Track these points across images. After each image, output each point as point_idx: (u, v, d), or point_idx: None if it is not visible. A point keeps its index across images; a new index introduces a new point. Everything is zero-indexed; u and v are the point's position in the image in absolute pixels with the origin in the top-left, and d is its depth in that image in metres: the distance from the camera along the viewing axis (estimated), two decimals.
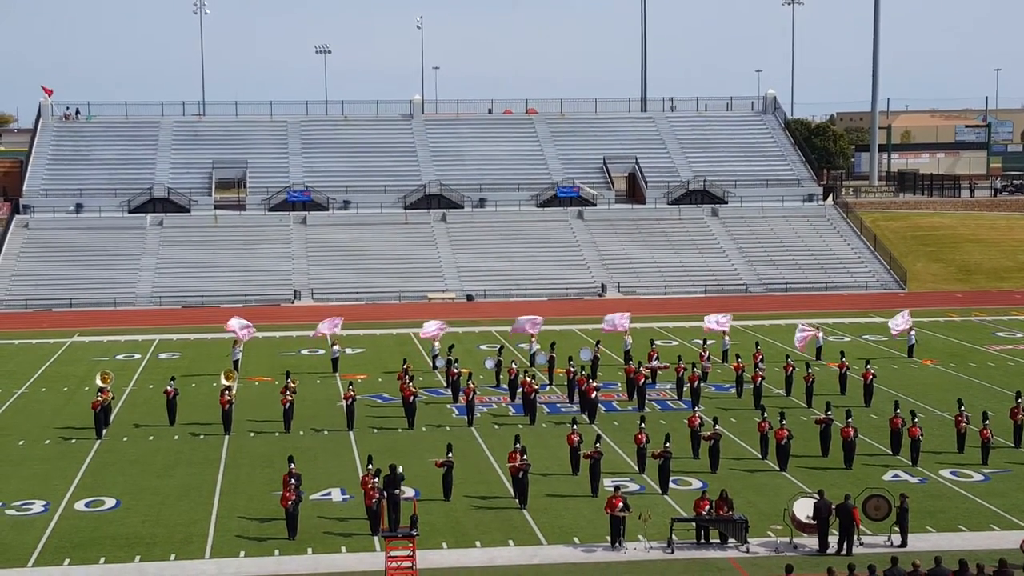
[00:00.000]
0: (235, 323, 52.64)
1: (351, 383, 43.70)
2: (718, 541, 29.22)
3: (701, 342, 52.43)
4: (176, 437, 40.61)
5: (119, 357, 56.18)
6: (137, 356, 56.36)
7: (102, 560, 28.63)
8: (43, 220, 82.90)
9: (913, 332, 55.06)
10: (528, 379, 43.20)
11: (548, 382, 48.47)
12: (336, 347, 52.76)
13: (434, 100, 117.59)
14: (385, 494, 29.99)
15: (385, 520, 29.59)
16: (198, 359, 53.90)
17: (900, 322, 54.40)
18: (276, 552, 29.09)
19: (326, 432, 41.10)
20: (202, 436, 40.61)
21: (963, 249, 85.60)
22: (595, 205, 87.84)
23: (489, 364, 49.56)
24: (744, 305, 72.03)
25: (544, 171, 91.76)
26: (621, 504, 28.90)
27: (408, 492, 31.89)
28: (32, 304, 73.30)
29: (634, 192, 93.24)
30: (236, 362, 50.95)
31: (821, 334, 54.29)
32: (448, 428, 41.37)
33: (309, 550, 29.17)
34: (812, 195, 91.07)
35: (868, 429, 39.71)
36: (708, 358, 49.32)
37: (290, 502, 29.88)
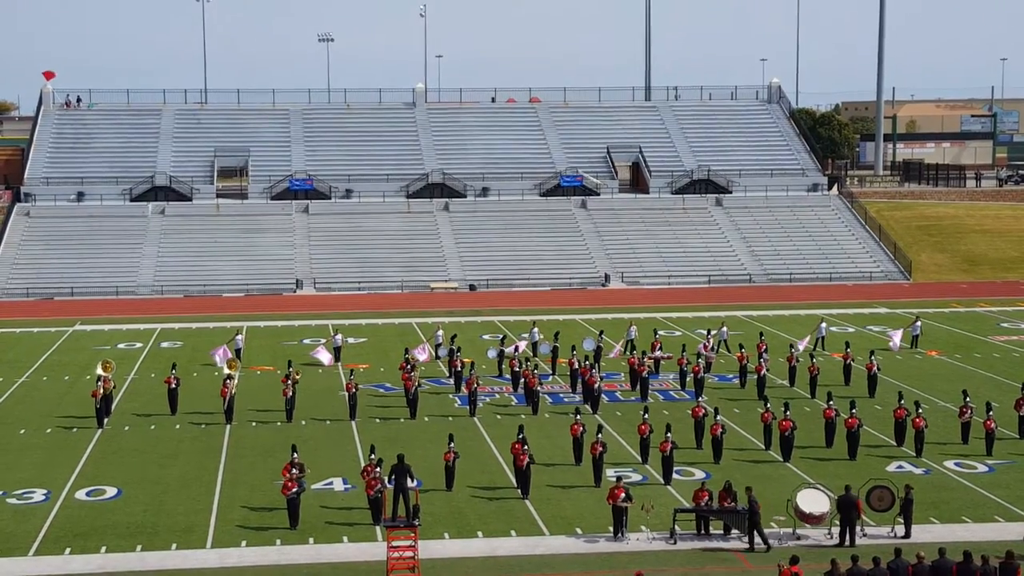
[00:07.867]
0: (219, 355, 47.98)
1: (352, 373, 43.60)
2: (721, 532, 29.13)
3: (705, 332, 52.29)
4: (177, 426, 40.52)
5: (120, 346, 56.10)
6: (139, 345, 56.28)
7: (103, 549, 28.56)
8: (44, 208, 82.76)
9: (919, 323, 54.78)
10: (530, 369, 43.10)
11: (551, 372, 48.35)
12: (320, 345, 52.02)
13: (437, 88, 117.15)
14: (391, 481, 29.74)
15: (388, 509, 29.47)
16: (200, 348, 53.71)
17: (896, 339, 53.11)
18: (278, 542, 29.01)
19: (328, 422, 40.98)
20: (204, 425, 40.52)
21: (968, 239, 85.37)
22: (599, 194, 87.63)
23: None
24: (748, 295, 71.90)
25: (547, 160, 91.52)
26: (623, 494, 28.81)
27: (410, 483, 31.76)
28: (33, 293, 73.20)
29: (638, 182, 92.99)
30: (238, 351, 50.87)
31: (824, 324, 54.12)
32: (450, 418, 41.26)
33: (311, 540, 29.09)
34: (817, 185, 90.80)
35: (872, 420, 39.57)
36: (714, 348, 49.21)
37: (292, 492, 29.79)
